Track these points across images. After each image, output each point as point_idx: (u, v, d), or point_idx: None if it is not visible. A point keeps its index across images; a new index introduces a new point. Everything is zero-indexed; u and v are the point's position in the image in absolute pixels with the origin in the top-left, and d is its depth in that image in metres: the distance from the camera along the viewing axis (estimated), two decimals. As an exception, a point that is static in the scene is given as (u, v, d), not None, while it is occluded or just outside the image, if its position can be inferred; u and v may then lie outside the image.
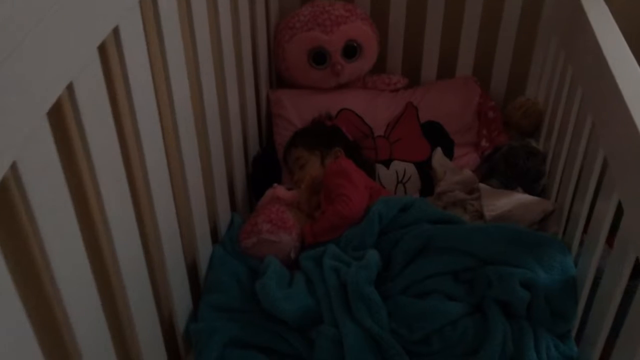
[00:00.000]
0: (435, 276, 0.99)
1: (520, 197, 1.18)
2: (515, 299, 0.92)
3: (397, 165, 1.37)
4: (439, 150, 1.39)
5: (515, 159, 1.32)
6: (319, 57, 1.41)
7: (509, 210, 1.15)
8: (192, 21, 0.94)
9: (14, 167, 0.52)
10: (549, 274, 0.96)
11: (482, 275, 0.96)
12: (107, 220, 0.71)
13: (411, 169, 1.37)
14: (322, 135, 1.32)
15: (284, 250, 1.12)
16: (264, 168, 1.37)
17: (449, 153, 1.41)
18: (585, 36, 1.06)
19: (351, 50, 1.42)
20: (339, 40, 1.40)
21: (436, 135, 1.43)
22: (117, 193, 0.73)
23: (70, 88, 0.61)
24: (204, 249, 1.09)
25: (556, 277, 0.96)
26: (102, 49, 0.70)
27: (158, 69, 0.87)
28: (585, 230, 1.02)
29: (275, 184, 1.26)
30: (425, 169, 1.38)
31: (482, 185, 1.24)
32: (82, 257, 0.65)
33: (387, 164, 1.38)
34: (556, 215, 1.16)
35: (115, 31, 0.70)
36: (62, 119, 0.67)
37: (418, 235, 1.03)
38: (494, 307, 0.93)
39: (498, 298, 0.94)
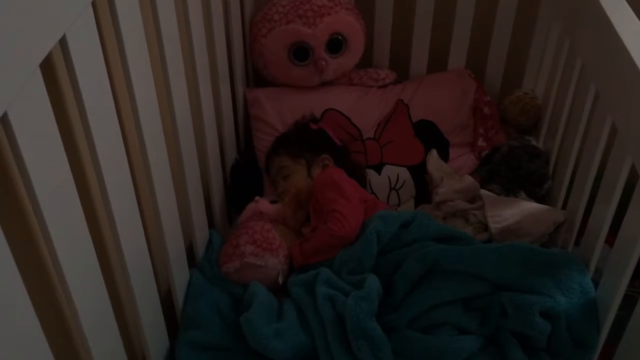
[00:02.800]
0: (444, 305, 0.88)
1: (528, 207, 1.08)
2: (536, 332, 0.82)
3: (389, 170, 1.26)
4: (434, 152, 1.28)
5: (517, 161, 1.22)
6: (300, 52, 1.28)
7: (516, 222, 1.04)
8: (156, 13, 0.80)
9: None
10: (568, 297, 0.86)
11: (496, 303, 0.86)
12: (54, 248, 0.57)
13: (405, 173, 1.26)
14: (306, 140, 1.19)
15: (271, 274, 1.00)
16: (243, 177, 1.24)
17: (444, 154, 1.30)
18: (596, 21, 0.95)
19: (336, 44, 1.29)
20: (323, 33, 1.27)
21: (430, 135, 1.32)
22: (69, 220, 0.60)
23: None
24: (180, 275, 0.96)
25: (576, 300, 0.86)
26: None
27: (117, 70, 0.73)
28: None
29: (257, 197, 1.13)
30: (419, 173, 1.26)
31: (484, 193, 1.13)
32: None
33: (378, 169, 1.26)
34: (568, 223, 1.06)
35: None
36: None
37: (422, 257, 0.91)
38: (511, 340, 0.83)
39: (515, 330, 0.84)
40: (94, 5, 0.64)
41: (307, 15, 1.26)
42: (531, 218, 1.05)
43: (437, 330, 0.86)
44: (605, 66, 0.93)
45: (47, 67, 0.61)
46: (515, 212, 1.06)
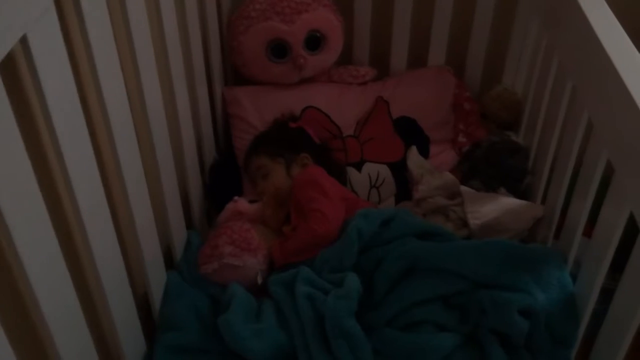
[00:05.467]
0: (424, 303, 0.87)
1: (507, 203, 1.08)
2: (515, 330, 0.82)
3: (369, 168, 1.25)
4: (414, 149, 1.27)
5: (497, 157, 1.22)
6: (278, 49, 1.27)
7: (495, 217, 1.04)
8: (125, 9, 0.78)
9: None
10: (547, 293, 0.86)
11: (476, 300, 0.86)
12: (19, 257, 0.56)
13: (385, 171, 1.25)
14: (285, 139, 1.18)
15: (250, 275, 0.99)
16: (222, 177, 1.23)
17: (424, 151, 1.29)
18: (573, 17, 0.95)
19: (314, 41, 1.28)
20: (301, 30, 1.26)
21: (410, 132, 1.31)
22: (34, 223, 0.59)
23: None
24: (157, 277, 0.95)
25: (554, 296, 0.87)
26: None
27: (84, 69, 0.72)
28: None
29: (236, 197, 1.11)
30: (400, 170, 1.26)
31: (464, 189, 1.13)
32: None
33: (358, 166, 1.25)
34: (547, 218, 1.06)
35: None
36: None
37: (402, 255, 0.91)
38: (490, 338, 0.83)
39: (494, 328, 0.83)
40: (58, 3, 0.63)
41: (285, 12, 1.25)
42: (510, 213, 1.05)
43: (417, 328, 0.85)
44: (581, 62, 0.93)
45: (8, 68, 0.60)
46: (494, 207, 1.06)
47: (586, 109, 0.90)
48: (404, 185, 1.25)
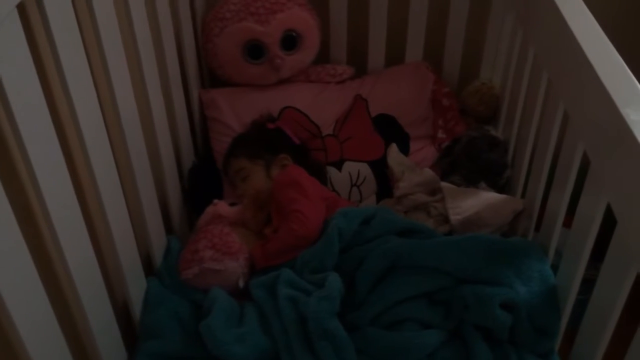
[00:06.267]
0: (407, 301, 0.87)
1: (487, 197, 1.08)
2: (497, 324, 0.82)
3: (349, 167, 1.24)
4: (394, 146, 1.27)
5: (477, 152, 1.22)
6: (254, 50, 1.26)
7: (476, 212, 1.04)
8: (92, 11, 0.76)
9: None
10: (529, 286, 0.86)
11: (459, 296, 0.85)
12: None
13: (365, 169, 1.24)
14: (264, 140, 1.17)
15: (231, 279, 0.97)
16: (202, 180, 1.21)
17: (404, 148, 1.29)
18: (546, 10, 0.95)
19: (290, 41, 1.28)
20: (276, 30, 1.25)
21: (389, 129, 1.31)
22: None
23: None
24: (136, 285, 0.93)
25: (536, 288, 0.87)
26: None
27: (51, 75, 0.70)
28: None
29: (216, 200, 1.10)
30: (380, 168, 1.25)
31: (444, 185, 1.12)
32: None
33: (338, 165, 1.25)
34: (527, 211, 1.07)
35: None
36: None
37: (384, 253, 0.90)
38: (473, 333, 0.83)
39: (478, 323, 0.83)
40: (22, 7, 0.61)
41: (260, 13, 1.24)
42: (490, 208, 1.05)
43: (401, 326, 0.85)
44: (556, 54, 0.93)
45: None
46: (474, 202, 1.06)
47: (562, 101, 0.91)
48: (385, 183, 1.25)
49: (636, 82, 0.74)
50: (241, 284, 0.98)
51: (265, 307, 0.89)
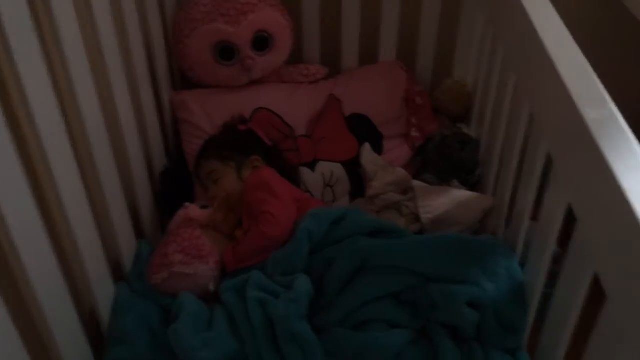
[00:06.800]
0: (375, 301, 0.87)
1: (457, 195, 1.08)
2: (464, 322, 0.82)
3: (323, 167, 1.24)
4: (367, 146, 1.27)
5: (448, 150, 1.22)
6: (225, 52, 1.25)
7: (446, 211, 1.05)
8: (51, 13, 0.75)
9: None
10: (496, 283, 0.87)
11: (426, 295, 0.86)
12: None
13: (339, 169, 1.24)
14: (235, 142, 1.16)
15: (201, 283, 0.97)
16: (173, 183, 1.20)
17: (378, 147, 1.29)
18: (513, 10, 0.96)
19: (262, 42, 1.27)
20: (247, 31, 1.24)
21: (363, 129, 1.31)
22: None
23: None
24: (104, 291, 0.92)
25: (503, 285, 0.87)
26: None
27: (8, 78, 0.69)
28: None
29: (187, 203, 1.10)
30: (354, 168, 1.25)
31: (416, 184, 1.13)
32: None
33: (312, 166, 1.25)
34: (497, 208, 1.07)
35: None
36: None
37: (352, 254, 0.90)
38: (440, 331, 0.83)
39: (445, 321, 0.84)
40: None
41: (230, 14, 1.23)
42: (461, 206, 1.05)
43: (368, 327, 0.85)
44: (522, 54, 0.94)
45: None
46: (445, 201, 1.07)
47: (527, 100, 0.91)
48: (359, 183, 1.25)
49: (598, 81, 0.75)
50: (212, 287, 0.97)
51: (234, 310, 0.89)
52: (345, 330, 0.84)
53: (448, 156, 1.21)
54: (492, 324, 0.84)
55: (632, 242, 0.55)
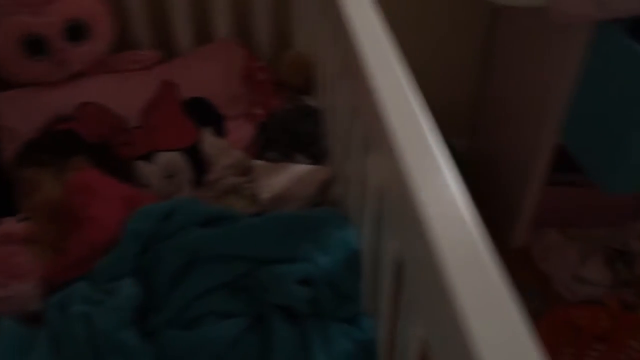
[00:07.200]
0: (207, 294, 0.83)
1: (295, 170, 1.06)
2: (295, 300, 0.80)
3: (160, 157, 1.17)
4: (207, 130, 1.21)
5: (289, 124, 1.20)
6: (34, 45, 1.14)
7: (285, 188, 1.02)
8: None
9: None
10: (330, 255, 0.86)
11: (257, 279, 0.83)
12: None
13: (178, 158, 1.18)
14: (53, 145, 1.06)
15: (22, 303, 0.88)
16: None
17: (220, 130, 1.24)
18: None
19: (76, 31, 1.17)
20: (55, 21, 1.13)
21: (202, 113, 1.25)
22: None
23: None
24: None
25: (338, 255, 0.86)
26: None
27: None
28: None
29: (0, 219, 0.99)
30: (194, 155, 1.19)
31: (256, 163, 1.09)
32: None
33: (148, 157, 1.17)
34: (338, 177, 1.06)
35: None
36: None
37: (179, 248, 0.86)
38: (274, 314, 0.81)
39: (277, 303, 0.81)
40: None
41: (33, 4, 1.12)
42: (299, 181, 1.03)
43: (201, 322, 0.81)
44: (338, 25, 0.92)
45: None
46: (284, 177, 1.04)
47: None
48: (202, 170, 1.19)
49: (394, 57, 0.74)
50: (35, 306, 0.89)
51: (57, 328, 0.82)
52: (175, 331, 0.80)
53: (289, 130, 1.19)
54: (328, 296, 0.83)
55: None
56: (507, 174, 1.69)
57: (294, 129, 1.20)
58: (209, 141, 1.19)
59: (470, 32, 1.67)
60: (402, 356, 0.67)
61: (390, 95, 0.66)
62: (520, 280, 1.64)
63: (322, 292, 0.82)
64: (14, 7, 1.11)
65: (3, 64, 1.14)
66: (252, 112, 1.29)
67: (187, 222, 0.92)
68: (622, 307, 1.55)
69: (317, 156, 1.20)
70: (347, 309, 0.84)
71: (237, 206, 1.04)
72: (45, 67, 1.15)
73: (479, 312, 0.43)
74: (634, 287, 1.64)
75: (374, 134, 0.71)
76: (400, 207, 0.60)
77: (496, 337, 0.42)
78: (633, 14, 1.15)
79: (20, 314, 0.87)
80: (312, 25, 1.33)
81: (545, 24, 1.31)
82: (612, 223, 1.76)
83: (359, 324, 0.85)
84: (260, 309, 0.83)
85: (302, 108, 1.24)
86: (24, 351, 0.81)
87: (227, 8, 1.33)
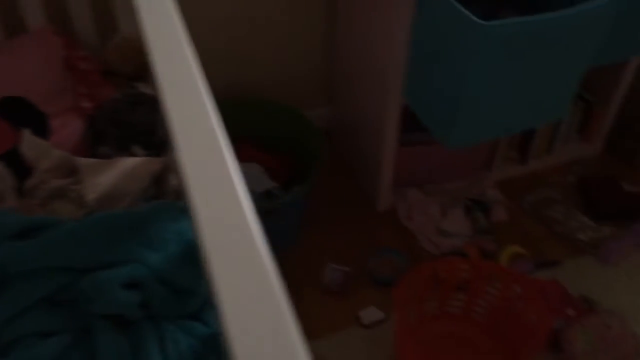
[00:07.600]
0: (22, 314, 0.74)
1: (124, 164, 0.98)
2: (121, 307, 0.74)
3: (-28, 169, 1.04)
4: (26, 132, 1.09)
5: (119, 115, 1.11)
6: None
7: (112, 184, 0.94)
8: None
9: None
10: (162, 251, 0.80)
11: (79, 290, 0.75)
12: None
13: (-6, 166, 1.06)
14: None
15: None
16: None
17: (43, 130, 1.13)
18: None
19: None
20: None
21: (20, 113, 1.12)
22: None
23: None
24: None
25: (172, 249, 0.81)
26: None
27: None
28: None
29: None
30: (15, 160, 1.07)
31: (82, 162, 1.00)
32: None
33: (-41, 170, 1.04)
34: (173, 169, 1.00)
35: None
36: None
37: (-18, 269, 0.76)
38: (100, 324, 0.74)
39: (104, 313, 0.75)
40: None
41: None
42: (127, 176, 0.96)
43: (19, 346, 0.73)
44: None
45: None
46: (111, 174, 0.96)
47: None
48: (26, 175, 1.07)
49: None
50: None
51: None
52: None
53: (119, 122, 1.10)
54: (163, 295, 0.78)
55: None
56: (364, 140, 1.72)
57: (125, 120, 1.11)
58: (27, 142, 1.08)
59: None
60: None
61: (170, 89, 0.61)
62: (389, 242, 1.68)
63: (154, 293, 0.77)
64: None
65: None
66: (80, 106, 1.19)
67: (-3, 237, 0.82)
68: (482, 256, 1.65)
69: (157, 146, 1.12)
70: (189, 305, 0.80)
71: (64, 211, 0.94)
72: None
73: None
74: (492, 234, 1.74)
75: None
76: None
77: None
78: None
79: None
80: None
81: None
82: (468, 175, 1.85)
83: (204, 318, 0.81)
84: (85, 321, 0.76)
85: (134, 96, 1.16)
86: None
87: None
